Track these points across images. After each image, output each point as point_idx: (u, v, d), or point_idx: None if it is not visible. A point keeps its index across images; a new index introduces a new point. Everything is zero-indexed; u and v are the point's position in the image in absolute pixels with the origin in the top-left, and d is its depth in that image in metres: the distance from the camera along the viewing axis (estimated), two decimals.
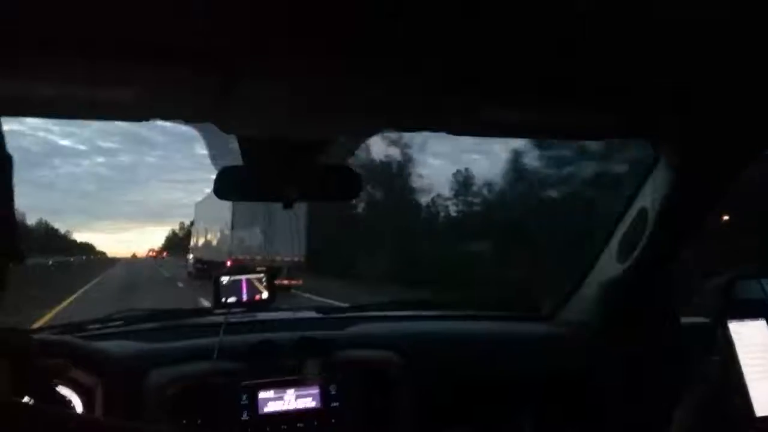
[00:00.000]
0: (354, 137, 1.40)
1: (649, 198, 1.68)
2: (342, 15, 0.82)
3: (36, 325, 2.51)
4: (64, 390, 1.49)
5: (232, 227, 19.24)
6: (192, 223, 32.38)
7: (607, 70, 1.08)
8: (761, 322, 1.09)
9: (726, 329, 1.07)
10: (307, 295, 16.19)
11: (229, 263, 18.19)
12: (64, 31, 0.85)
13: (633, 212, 1.77)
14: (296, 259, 19.04)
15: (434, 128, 1.35)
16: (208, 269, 21.74)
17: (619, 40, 0.95)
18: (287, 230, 18.47)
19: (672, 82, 1.13)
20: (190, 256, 28.70)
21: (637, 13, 0.85)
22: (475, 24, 0.87)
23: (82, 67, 0.93)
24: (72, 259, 73.96)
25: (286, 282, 17.30)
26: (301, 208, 16.76)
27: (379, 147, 28.07)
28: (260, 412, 1.59)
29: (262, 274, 1.83)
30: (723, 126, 1.37)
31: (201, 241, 26.12)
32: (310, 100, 1.09)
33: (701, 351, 1.30)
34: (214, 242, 22.94)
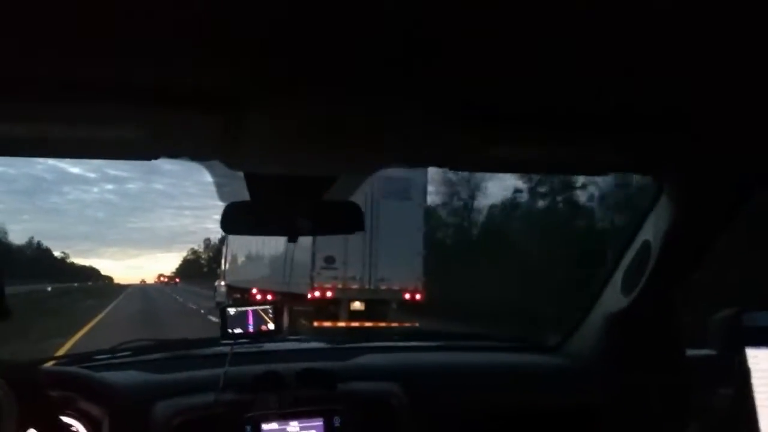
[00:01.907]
0: (358, 173, 1.43)
1: (652, 231, 1.69)
2: (347, 53, 0.84)
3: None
4: (70, 421, 1.51)
5: (314, 243, 12.29)
6: (223, 243, 25.38)
7: (610, 107, 1.10)
8: None
9: (743, 356, 1.06)
10: None
11: (310, 295, 12.52)
12: (69, 72, 0.88)
13: (637, 245, 1.78)
14: (410, 287, 12.76)
15: (439, 164, 1.38)
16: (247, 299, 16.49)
17: (622, 77, 0.97)
18: (398, 247, 12.66)
19: (674, 118, 1.14)
20: (221, 283, 22.92)
21: (641, 52, 0.87)
22: (480, 63, 0.89)
23: (87, 108, 0.95)
24: (76, 285, 71.71)
25: (395, 325, 12.62)
26: (409, 210, 12.82)
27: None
28: None
29: (268, 306, 1.85)
30: (725, 161, 1.38)
31: (241, 264, 19.32)
32: (315, 137, 1.11)
33: (708, 382, 1.30)
34: (263, 264, 15.63)
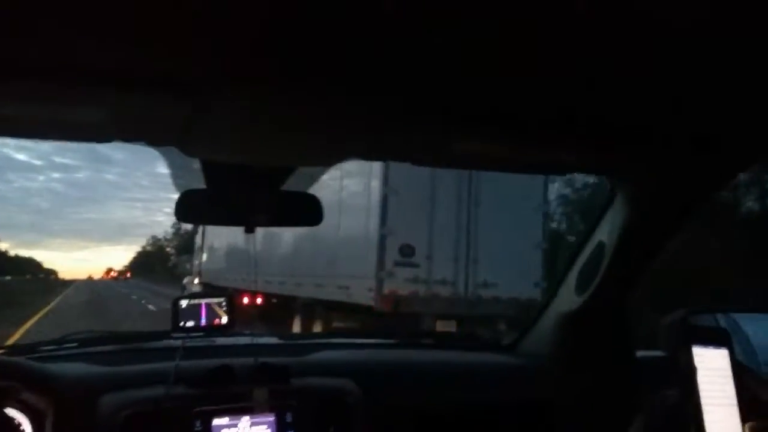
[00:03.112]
0: (318, 165, 1.41)
1: (606, 232, 1.72)
2: (310, 45, 0.83)
3: None
4: (14, 413, 1.46)
5: (383, 221, 8.08)
6: (195, 234, 20.33)
7: (567, 108, 1.12)
8: (724, 351, 1.12)
9: (690, 355, 1.10)
10: None
11: (377, 305, 8.03)
12: (28, 52, 0.85)
13: (591, 245, 1.80)
14: (525, 296, 8.34)
15: (399, 158, 1.37)
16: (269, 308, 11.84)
17: (578, 79, 0.98)
18: (507, 233, 8.27)
19: (628, 120, 1.16)
20: (194, 281, 18.38)
21: (596, 56, 0.88)
22: (442, 59, 0.89)
23: (44, 88, 0.92)
24: (9, 279, 63.82)
25: None
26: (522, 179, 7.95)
27: None
28: None
29: (222, 299, 1.82)
30: (677, 163, 1.41)
31: (226, 256, 14.69)
32: (275, 128, 1.09)
33: (656, 381, 1.33)
34: (268, 255, 11.20)
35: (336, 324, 9.24)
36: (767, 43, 0.83)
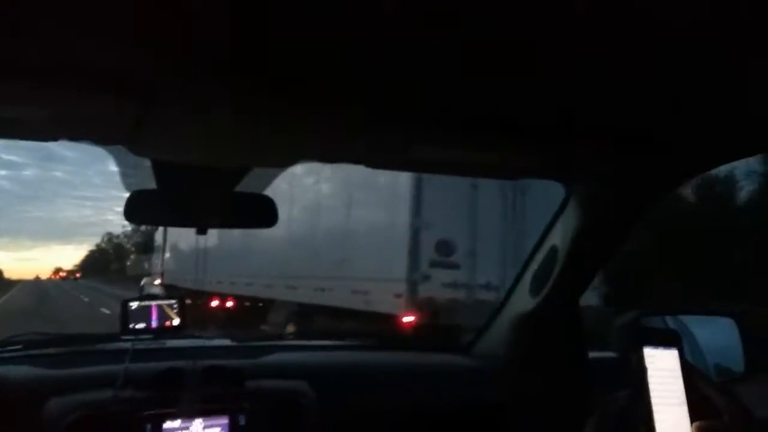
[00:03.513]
0: (270, 167, 1.40)
1: (560, 235, 1.74)
2: (262, 44, 0.81)
3: None
4: None
5: (416, 211, 6.66)
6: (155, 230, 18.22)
7: (520, 114, 1.12)
8: (674, 352, 1.14)
9: (641, 356, 1.11)
10: None
11: (405, 318, 6.59)
12: None
13: (545, 249, 1.82)
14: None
15: (353, 161, 1.36)
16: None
17: (530, 83, 0.99)
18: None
19: (583, 124, 1.17)
20: (155, 282, 16.52)
21: (549, 60, 0.88)
22: (396, 61, 0.89)
23: None
24: None
25: None
26: None
27: None
28: None
29: (173, 300, 1.79)
30: (630, 169, 1.43)
31: (191, 255, 13.13)
32: (227, 128, 1.07)
33: (608, 382, 1.35)
34: (256, 253, 9.53)
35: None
36: (719, 51, 0.84)
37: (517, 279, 1.96)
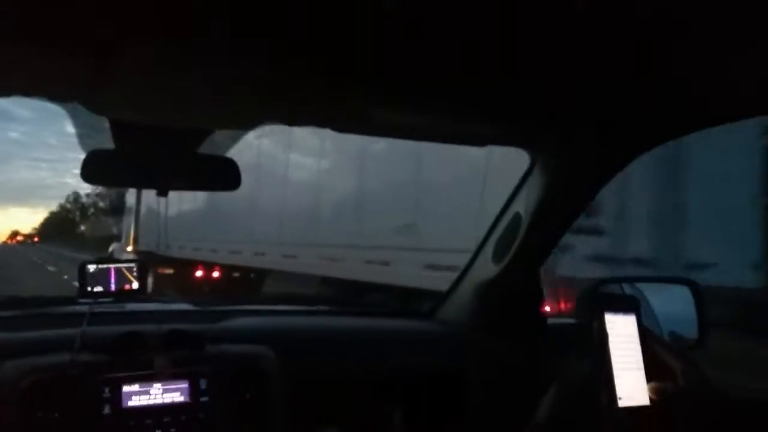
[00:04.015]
0: (231, 128, 1.37)
1: (523, 203, 1.76)
2: (224, 4, 0.79)
3: None
4: None
5: None
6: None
7: (485, 80, 1.12)
8: (632, 317, 1.17)
9: (602, 321, 1.14)
10: None
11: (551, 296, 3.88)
12: None
13: (509, 216, 1.84)
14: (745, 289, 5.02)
15: (318, 124, 1.35)
16: None
17: (495, 51, 0.98)
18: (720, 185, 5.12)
19: (546, 94, 1.18)
20: (127, 249, 14.78)
21: (519, 29, 0.88)
22: (362, 23, 0.87)
23: None
24: None
25: None
26: None
27: None
28: (124, 406, 1.51)
29: (132, 264, 1.75)
30: (593, 137, 1.45)
31: (178, 216, 11.83)
32: (185, 88, 1.05)
33: (569, 348, 1.37)
34: (262, 212, 8.45)
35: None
36: (664, 40, 0.86)
37: (481, 245, 1.97)
